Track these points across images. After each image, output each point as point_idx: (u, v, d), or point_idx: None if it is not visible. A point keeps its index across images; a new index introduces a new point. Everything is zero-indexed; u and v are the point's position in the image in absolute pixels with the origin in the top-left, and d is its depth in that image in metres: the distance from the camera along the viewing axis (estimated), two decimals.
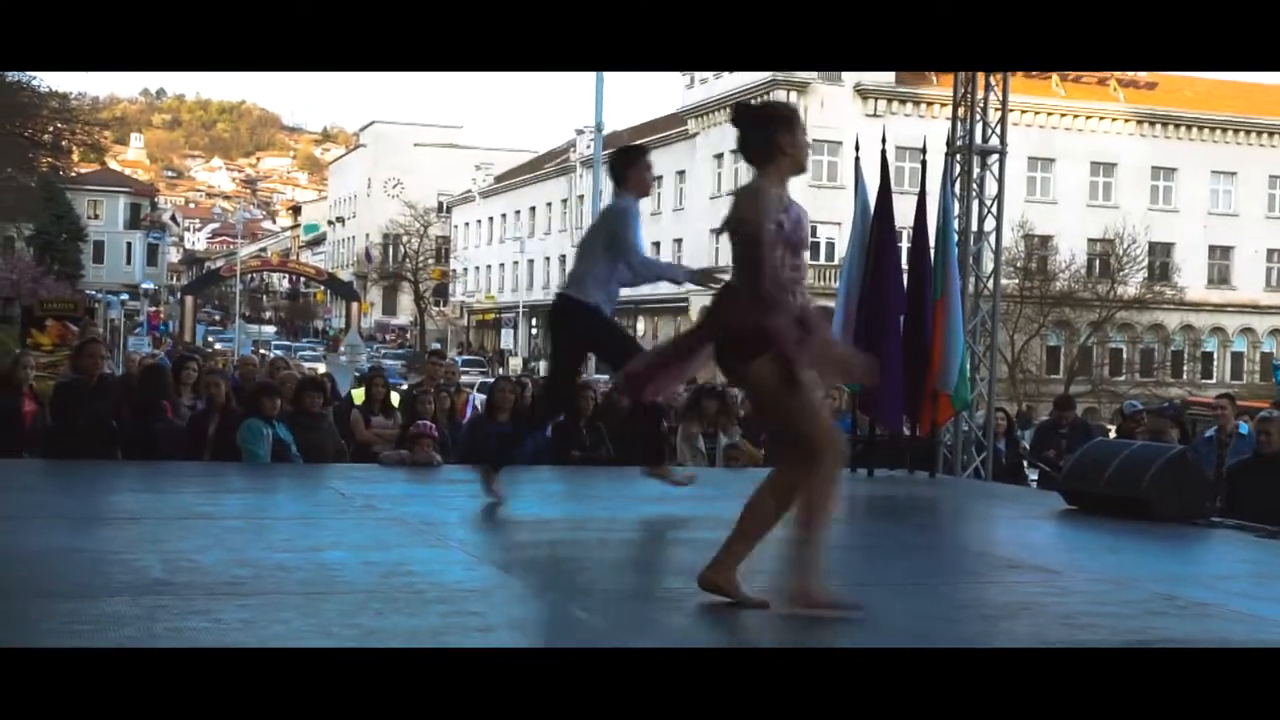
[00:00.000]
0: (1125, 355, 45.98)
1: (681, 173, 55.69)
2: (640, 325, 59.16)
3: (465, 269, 78.84)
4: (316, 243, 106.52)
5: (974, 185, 11.10)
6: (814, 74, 47.19)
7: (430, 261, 76.00)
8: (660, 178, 57.03)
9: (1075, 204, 49.72)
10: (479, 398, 12.24)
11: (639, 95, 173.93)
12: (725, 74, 50.40)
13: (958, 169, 11.01)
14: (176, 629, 3.72)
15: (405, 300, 80.00)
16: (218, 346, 41.88)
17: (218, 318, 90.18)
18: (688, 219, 54.15)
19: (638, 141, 7.01)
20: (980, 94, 11.13)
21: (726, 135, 51.73)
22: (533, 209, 70.88)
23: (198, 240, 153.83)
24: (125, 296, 61.16)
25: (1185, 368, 48.51)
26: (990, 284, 11.28)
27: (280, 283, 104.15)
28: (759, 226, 4.08)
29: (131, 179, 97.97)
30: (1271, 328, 52.45)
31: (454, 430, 9.75)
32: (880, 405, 9.51)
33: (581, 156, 58.86)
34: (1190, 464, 7.52)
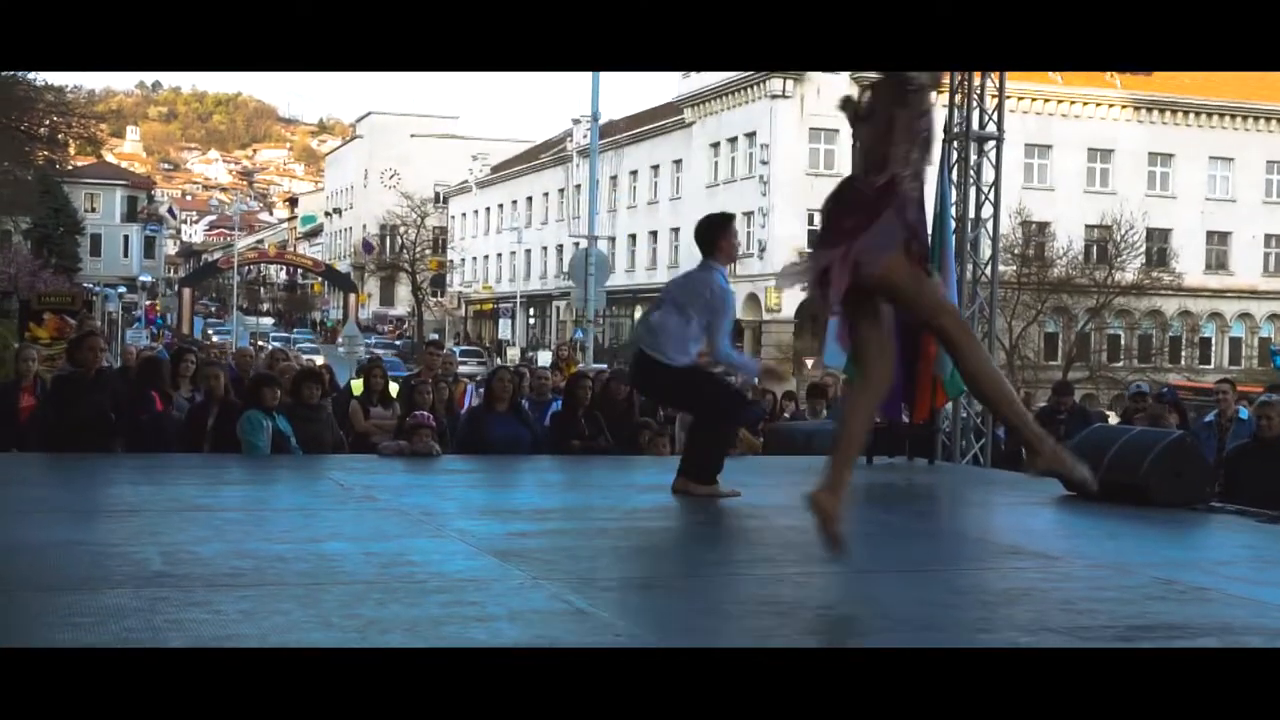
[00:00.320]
0: (1123, 341, 46.00)
1: (678, 162, 55.64)
2: (639, 314, 59.15)
3: (462, 259, 78.91)
4: (313, 234, 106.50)
5: (971, 172, 11.09)
6: None
7: (427, 252, 76.02)
8: (657, 166, 57.21)
9: (1073, 190, 49.72)
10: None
11: (635, 84, 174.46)
12: None
13: (955, 156, 11.00)
14: (177, 620, 3.72)
15: (403, 291, 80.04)
16: (215, 339, 41.92)
17: (214, 309, 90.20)
18: (684, 208, 54.09)
19: (723, 211, 7.09)
20: (977, 81, 11.12)
21: (722, 124, 51.84)
22: (529, 199, 70.84)
23: (195, 233, 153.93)
24: (123, 289, 61.24)
25: (1183, 353, 48.54)
26: (988, 270, 11.28)
27: (278, 274, 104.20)
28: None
29: (128, 172, 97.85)
30: (1269, 313, 52.47)
31: (452, 420, 9.78)
32: None
33: (578, 146, 58.81)
34: (1190, 449, 7.52)
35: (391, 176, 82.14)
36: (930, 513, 7.96)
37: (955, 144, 11.04)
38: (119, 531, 5.37)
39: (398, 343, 65.14)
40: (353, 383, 10.54)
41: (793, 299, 48.35)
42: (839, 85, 47.58)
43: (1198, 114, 51.67)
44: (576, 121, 60.81)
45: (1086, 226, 48.01)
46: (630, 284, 57.34)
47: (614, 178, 59.27)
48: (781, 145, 48.13)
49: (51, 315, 20.68)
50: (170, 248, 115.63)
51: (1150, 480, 7.12)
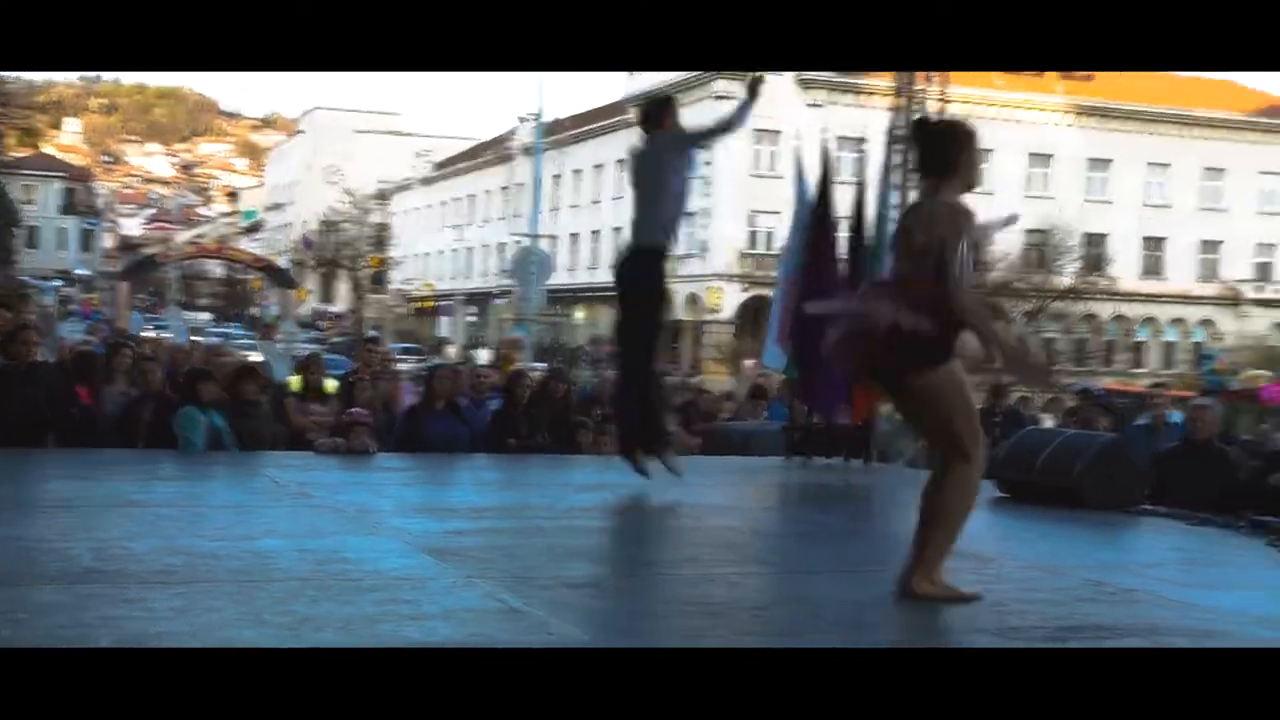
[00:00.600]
0: (1060, 344, 46.66)
1: (622, 161, 55.25)
2: (579, 313, 59.24)
3: (404, 256, 78.60)
4: (254, 229, 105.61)
5: (912, 175, 11.21)
6: None
7: (368, 249, 75.65)
8: (601, 166, 57.23)
9: (1012, 194, 50.13)
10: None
11: (581, 83, 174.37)
12: None
13: (897, 159, 11.12)
14: (108, 617, 3.68)
15: (343, 287, 79.63)
16: (148, 334, 41.31)
17: (150, 304, 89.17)
18: (627, 208, 53.90)
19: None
20: (920, 85, 11.25)
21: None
22: (472, 197, 70.69)
23: (133, 226, 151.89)
24: (59, 282, 60.27)
25: (1118, 357, 49.34)
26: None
27: (216, 269, 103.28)
28: (956, 244, 4.26)
29: (67, 164, 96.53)
30: (1202, 318, 53.51)
31: (389, 417, 9.73)
32: (817, 394, 9.59)
33: (522, 144, 58.78)
34: (1122, 453, 7.64)
35: (334, 172, 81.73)
36: (865, 513, 8.02)
37: (897, 147, 11.16)
38: (51, 527, 5.29)
39: (337, 339, 64.51)
40: (290, 379, 10.45)
41: (733, 299, 48.63)
42: (783, 87, 47.95)
43: (1136, 120, 52.51)
44: (522, 119, 60.66)
45: (1025, 230, 48.57)
46: (572, 283, 57.27)
47: (557, 176, 59.17)
48: (724, 146, 48.07)
49: None
50: (108, 241, 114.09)
51: (1083, 483, 7.23)
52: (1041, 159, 51.63)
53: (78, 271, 74.02)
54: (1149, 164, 52.81)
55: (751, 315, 46.64)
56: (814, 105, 46.20)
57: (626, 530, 6.52)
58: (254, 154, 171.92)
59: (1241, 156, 53.88)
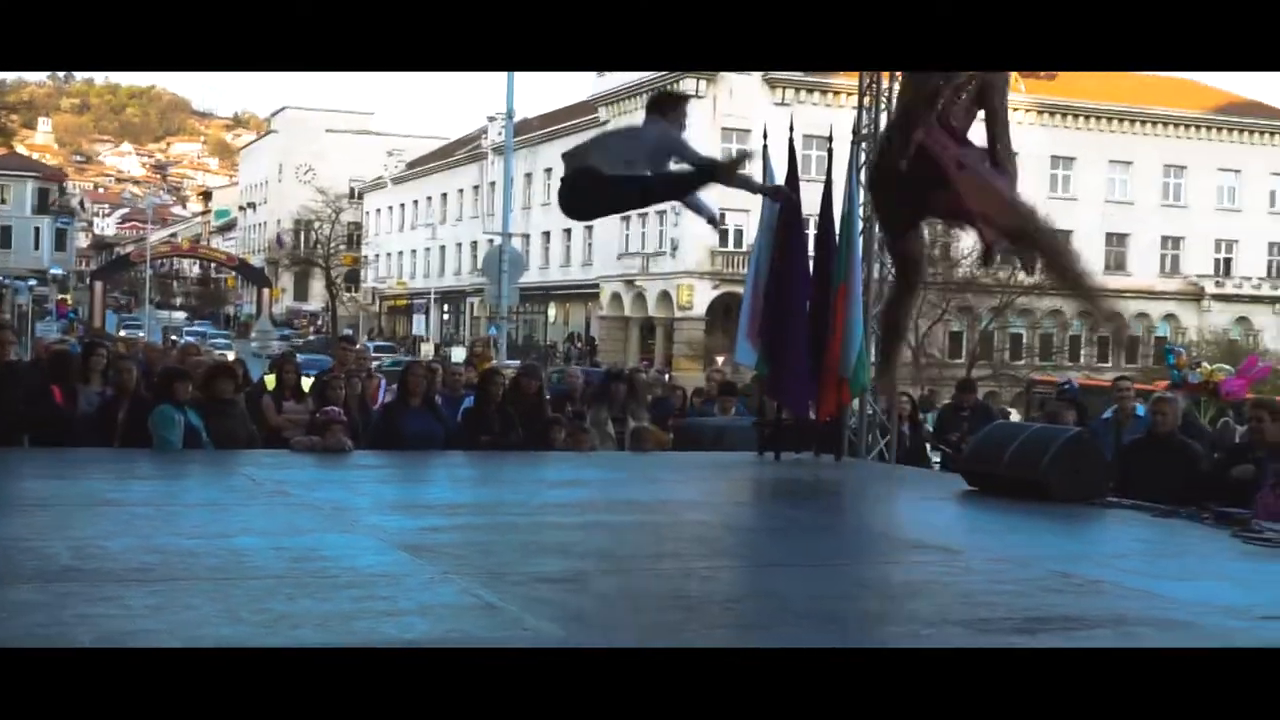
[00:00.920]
0: (1025, 340, 47.03)
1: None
2: (551, 311, 59.32)
3: (377, 255, 78.67)
4: (228, 228, 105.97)
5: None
6: None
7: (342, 247, 75.64)
8: None
9: None
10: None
11: (550, 82, 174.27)
12: None
13: (864, 157, 11.17)
14: (84, 615, 3.69)
15: (317, 286, 79.63)
16: (123, 334, 41.05)
17: (124, 303, 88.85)
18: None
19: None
20: (886, 84, 11.30)
21: (637, 122, 51.86)
22: (444, 195, 70.89)
23: (107, 225, 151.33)
24: (33, 282, 59.90)
25: (1083, 352, 49.74)
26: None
27: (191, 268, 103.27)
28: None
29: (39, 163, 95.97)
30: (1165, 312, 54.03)
31: (365, 415, 9.75)
32: (786, 390, 9.66)
33: (493, 143, 58.92)
34: (1087, 446, 7.72)
35: (306, 172, 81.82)
36: (836, 508, 8.09)
37: (864, 146, 11.22)
38: (28, 526, 5.30)
39: (312, 338, 64.30)
40: (265, 377, 10.44)
41: (704, 296, 48.78)
42: (751, 86, 48.18)
43: (1098, 118, 53.00)
44: (492, 119, 60.82)
45: None
46: (544, 281, 57.49)
47: (528, 175, 59.30)
48: (694, 144, 48.29)
49: None
50: (82, 240, 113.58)
51: (1049, 476, 7.31)
52: None
53: (52, 271, 73.58)
54: (1111, 161, 53.37)
55: (722, 312, 46.85)
56: (781, 104, 46.39)
57: (600, 526, 6.53)
58: (226, 153, 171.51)
59: (1201, 154, 54.52)
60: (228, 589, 4.17)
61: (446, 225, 68.20)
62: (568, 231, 57.76)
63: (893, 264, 5.55)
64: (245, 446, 8.58)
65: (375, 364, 23.07)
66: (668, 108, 6.86)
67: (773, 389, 9.82)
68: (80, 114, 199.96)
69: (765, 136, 10.36)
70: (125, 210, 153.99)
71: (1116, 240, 53.77)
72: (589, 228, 54.96)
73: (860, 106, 11.44)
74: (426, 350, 55.11)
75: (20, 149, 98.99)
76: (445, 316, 69.25)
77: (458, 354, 40.78)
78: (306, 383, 10.02)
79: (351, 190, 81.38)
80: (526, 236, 55.76)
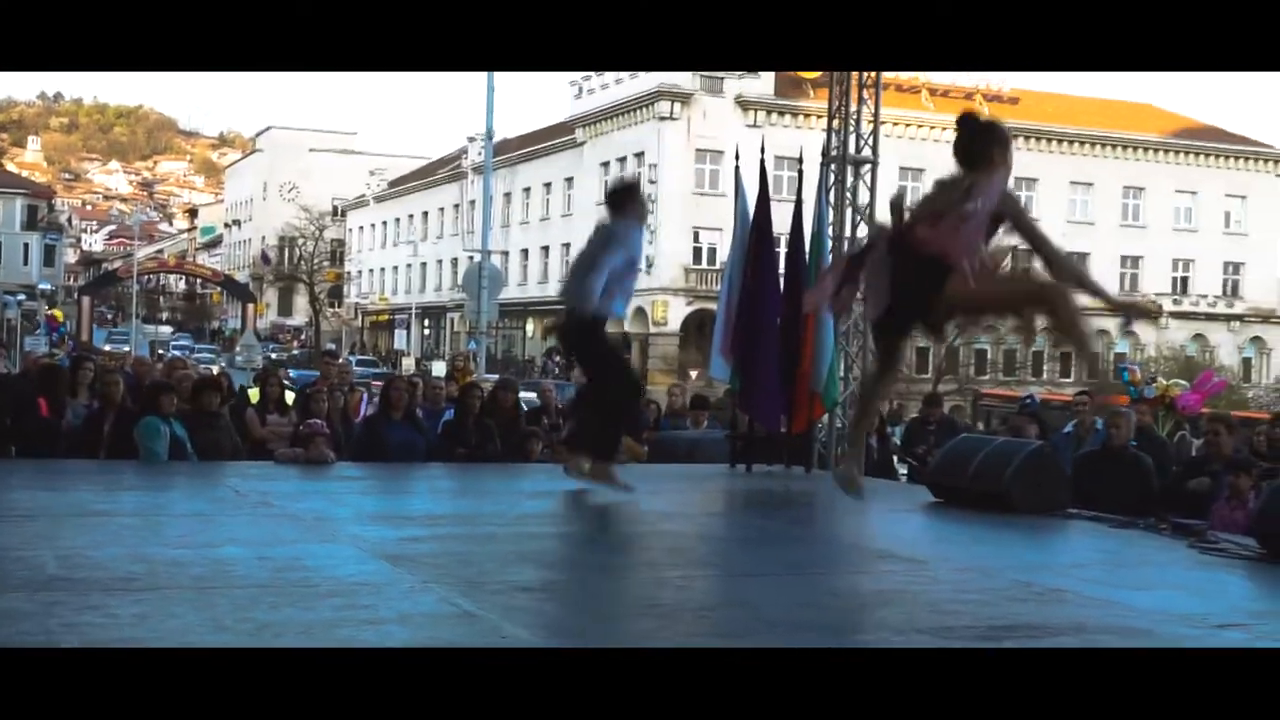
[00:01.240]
0: (989, 355, 47.39)
1: (570, 179, 56.33)
2: (530, 327, 59.48)
3: (359, 271, 79.12)
4: (213, 245, 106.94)
5: (848, 194, 11.46)
6: (697, 85, 48.22)
7: (325, 264, 76.01)
8: (549, 184, 57.80)
9: None
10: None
11: (528, 104, 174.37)
12: (612, 84, 51.14)
13: (832, 178, 11.34)
14: (71, 624, 3.73)
15: (300, 301, 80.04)
16: (107, 348, 40.81)
17: (110, 317, 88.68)
18: (575, 224, 54.78)
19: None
20: (854, 107, 11.49)
21: (613, 144, 52.32)
22: (425, 214, 71.66)
23: (95, 242, 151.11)
24: (22, 297, 59.82)
25: (1045, 367, 50.20)
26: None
27: (177, 284, 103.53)
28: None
29: (28, 181, 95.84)
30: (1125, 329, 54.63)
31: (347, 428, 9.83)
32: (758, 404, 9.77)
33: (473, 163, 59.42)
34: (1048, 460, 7.85)
35: (290, 190, 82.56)
36: (806, 519, 8.16)
37: (833, 167, 11.39)
38: (15, 536, 5.31)
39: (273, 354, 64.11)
40: (249, 390, 10.50)
41: (678, 312, 48.96)
42: (724, 108, 48.60)
43: (1060, 141, 53.62)
44: (471, 139, 61.20)
45: None
46: (522, 297, 57.81)
47: (508, 194, 59.76)
48: (669, 165, 48.91)
49: None
50: (70, 256, 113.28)
51: (1012, 489, 7.44)
52: None
53: (41, 286, 73.52)
54: (1072, 183, 54.09)
55: (696, 327, 47.05)
56: (753, 126, 46.79)
57: (576, 536, 6.61)
58: (212, 172, 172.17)
59: (1159, 176, 55.33)
60: (212, 598, 4.21)
61: (427, 242, 68.68)
62: (545, 249, 58.20)
63: (875, 349, 5.50)
64: (230, 458, 8.64)
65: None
66: (623, 200, 7.27)
67: (745, 403, 9.93)
68: (69, 133, 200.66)
69: (738, 157, 10.50)
70: (113, 227, 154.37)
71: (1078, 259, 54.25)
72: (566, 245, 55.38)
73: (829, 129, 11.62)
74: (408, 365, 55.23)
75: (10, 167, 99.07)
76: (426, 331, 69.55)
77: (438, 368, 40.82)
78: (290, 396, 10.10)
79: (335, 208, 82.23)
80: (506, 254, 56.06)
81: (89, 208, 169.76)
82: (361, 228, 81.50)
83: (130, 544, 5.22)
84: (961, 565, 5.88)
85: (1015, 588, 5.15)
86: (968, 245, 4.88)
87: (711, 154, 47.98)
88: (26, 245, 79.57)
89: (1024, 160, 52.33)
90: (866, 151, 11.57)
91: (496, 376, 19.53)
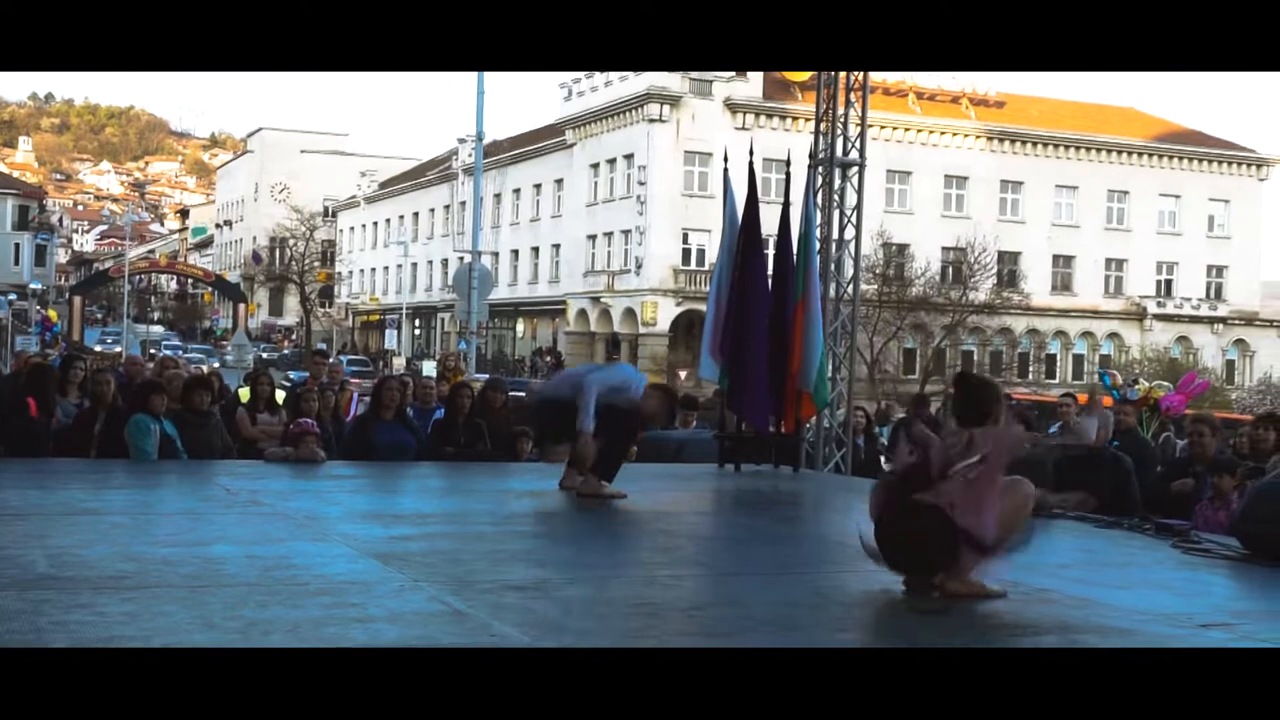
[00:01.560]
0: (976, 356, 47.59)
1: (559, 181, 56.46)
2: (520, 327, 59.64)
3: (350, 272, 79.28)
4: (204, 245, 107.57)
5: (835, 196, 11.50)
6: (686, 88, 48.39)
7: (316, 264, 76.12)
8: (539, 185, 58.00)
9: (930, 214, 51.50)
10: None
11: (519, 106, 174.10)
12: (602, 87, 51.31)
13: (820, 180, 11.39)
14: (61, 622, 3.74)
15: (291, 302, 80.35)
16: (98, 349, 40.73)
17: (101, 316, 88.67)
18: (564, 225, 55.19)
19: None
20: (841, 110, 11.54)
21: (602, 146, 52.46)
22: (416, 214, 71.92)
23: (86, 242, 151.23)
24: (13, 297, 59.87)
25: (1031, 369, 50.45)
26: (850, 289, 11.69)
27: (168, 284, 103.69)
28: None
29: (19, 181, 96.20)
30: (1109, 331, 54.93)
31: (338, 427, 9.83)
32: (746, 404, 9.80)
33: (463, 164, 59.57)
34: (1034, 459, 7.88)
35: (281, 190, 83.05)
36: (794, 518, 8.19)
37: (820, 169, 11.44)
38: (4, 535, 5.32)
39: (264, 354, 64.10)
40: (240, 390, 10.49)
41: (668, 313, 49.07)
42: (713, 111, 48.76)
43: (1045, 144, 53.89)
44: (462, 141, 61.50)
45: (943, 248, 49.64)
46: (512, 297, 57.99)
47: (498, 195, 59.92)
48: (658, 167, 49.06)
49: None
50: (61, 256, 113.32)
51: None
52: (957, 180, 52.84)
53: (32, 286, 73.59)
54: (1057, 186, 54.34)
55: (685, 328, 47.17)
56: (741, 129, 46.93)
57: (565, 535, 6.62)
58: (204, 173, 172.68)
59: (1143, 179, 55.62)
60: (202, 596, 4.23)
61: (418, 243, 68.84)
62: (535, 250, 58.43)
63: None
64: (220, 457, 8.65)
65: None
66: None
67: (734, 403, 9.96)
68: (60, 133, 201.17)
69: (726, 160, 10.54)
70: (104, 227, 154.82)
71: (1063, 262, 54.64)
72: (556, 245, 55.57)
73: (817, 132, 11.66)
74: (398, 364, 55.28)
75: (1, 167, 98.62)
76: (417, 331, 69.67)
77: (429, 368, 40.82)
78: (280, 395, 10.10)
79: (326, 209, 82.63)
80: (496, 254, 56.21)
81: (80, 208, 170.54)
82: (352, 228, 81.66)
83: (120, 542, 5.22)
84: None
85: (1000, 587, 5.16)
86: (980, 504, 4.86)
87: (700, 156, 48.20)
88: (18, 245, 79.82)
89: (1011, 163, 52.74)
90: (854, 154, 11.62)
91: (486, 376, 19.55)
